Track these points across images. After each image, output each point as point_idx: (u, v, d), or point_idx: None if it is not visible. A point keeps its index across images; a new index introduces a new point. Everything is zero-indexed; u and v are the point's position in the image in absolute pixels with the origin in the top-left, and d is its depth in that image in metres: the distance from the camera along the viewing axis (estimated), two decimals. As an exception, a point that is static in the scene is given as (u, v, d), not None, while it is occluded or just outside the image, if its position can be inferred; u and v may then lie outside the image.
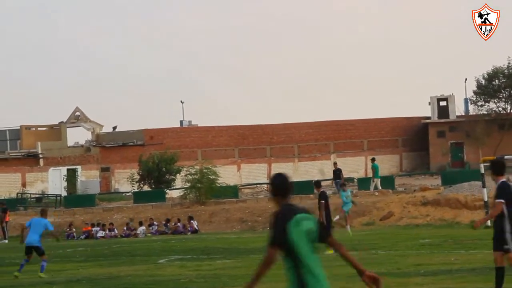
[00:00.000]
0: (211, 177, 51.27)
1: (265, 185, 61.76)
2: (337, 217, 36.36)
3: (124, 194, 64.03)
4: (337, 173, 49.14)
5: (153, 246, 34.94)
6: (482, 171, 35.19)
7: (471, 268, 18.49)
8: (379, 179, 49.02)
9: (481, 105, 74.80)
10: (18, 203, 58.05)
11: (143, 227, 45.84)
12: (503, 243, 13.14)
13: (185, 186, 52.64)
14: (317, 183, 28.71)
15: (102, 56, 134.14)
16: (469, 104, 76.24)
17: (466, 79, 77.71)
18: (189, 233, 44.26)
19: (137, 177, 61.45)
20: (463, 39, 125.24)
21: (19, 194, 63.74)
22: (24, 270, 22.99)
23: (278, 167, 72.95)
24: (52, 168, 69.59)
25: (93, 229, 46.44)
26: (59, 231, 23.90)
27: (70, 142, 74.87)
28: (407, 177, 66.22)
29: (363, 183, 52.27)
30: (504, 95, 74.34)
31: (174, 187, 59.37)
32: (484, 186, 35.44)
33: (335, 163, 53.98)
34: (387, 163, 73.72)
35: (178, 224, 45.79)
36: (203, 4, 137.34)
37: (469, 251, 23.32)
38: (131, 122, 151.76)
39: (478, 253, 21.93)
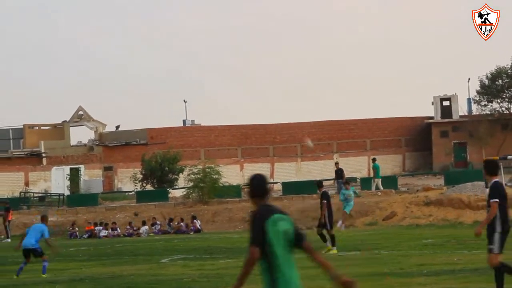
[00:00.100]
0: (214, 177, 51.25)
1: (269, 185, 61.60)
2: (340, 222, 34.86)
3: (127, 193, 64.03)
4: (339, 173, 49.24)
5: (156, 245, 34.96)
6: (485, 171, 35.14)
7: (474, 268, 18.49)
8: (380, 179, 49.02)
9: (484, 105, 74.66)
10: (21, 202, 58.16)
11: (146, 227, 45.89)
12: (490, 243, 13.16)
13: (188, 186, 52.62)
14: (319, 183, 28.68)
15: (102, 56, 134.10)
16: (472, 104, 76.13)
17: (469, 79, 77.68)
18: (192, 233, 44.26)
19: (140, 176, 61.49)
20: (463, 39, 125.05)
21: (22, 193, 63.73)
22: (27, 270, 23.02)
23: (281, 167, 72.96)
24: (55, 167, 69.58)
25: (96, 228, 46.48)
26: (55, 245, 23.91)
27: (73, 141, 74.85)
28: (410, 177, 66.13)
29: (366, 183, 52.23)
30: (508, 95, 74.19)
31: (177, 187, 59.35)
32: (487, 186, 35.33)
33: (336, 163, 53.98)
34: (390, 163, 73.66)
35: (181, 223, 45.81)
36: (203, 4, 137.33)
37: (472, 251, 23.33)
38: (133, 122, 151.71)
39: (481, 253, 21.83)
